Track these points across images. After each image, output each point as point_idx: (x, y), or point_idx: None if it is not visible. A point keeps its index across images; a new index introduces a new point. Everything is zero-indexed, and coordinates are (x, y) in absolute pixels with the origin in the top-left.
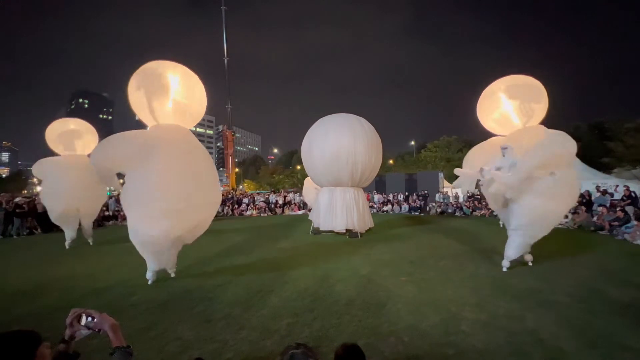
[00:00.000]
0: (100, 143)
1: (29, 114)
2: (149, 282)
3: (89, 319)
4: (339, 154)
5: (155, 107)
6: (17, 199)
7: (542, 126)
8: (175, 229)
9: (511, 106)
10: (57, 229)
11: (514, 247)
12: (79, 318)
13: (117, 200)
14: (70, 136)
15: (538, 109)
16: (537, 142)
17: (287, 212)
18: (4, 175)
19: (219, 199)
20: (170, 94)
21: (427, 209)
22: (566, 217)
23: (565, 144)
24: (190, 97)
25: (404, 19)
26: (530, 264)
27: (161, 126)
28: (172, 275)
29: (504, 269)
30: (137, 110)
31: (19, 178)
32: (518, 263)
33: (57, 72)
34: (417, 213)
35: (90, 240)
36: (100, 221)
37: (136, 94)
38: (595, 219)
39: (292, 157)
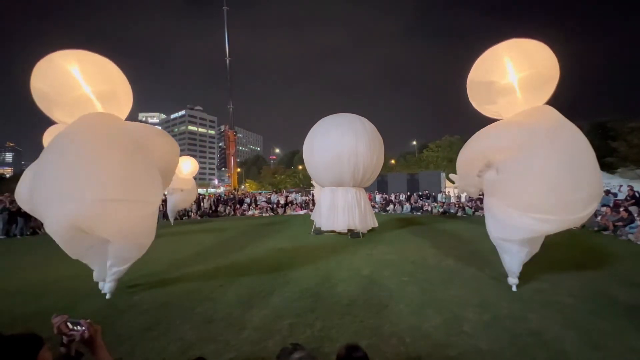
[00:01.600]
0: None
1: (33, 115)
2: (107, 297)
3: (77, 327)
4: (340, 154)
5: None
6: None
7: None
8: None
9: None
10: None
11: (509, 260)
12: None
13: None
14: None
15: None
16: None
17: (289, 212)
18: (7, 176)
19: (143, 197)
20: (79, 87)
21: (429, 209)
22: None
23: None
24: (101, 79)
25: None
26: (514, 288)
27: (81, 117)
28: (107, 296)
29: (514, 288)
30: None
31: None
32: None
33: None
34: (419, 213)
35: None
36: None
37: (44, 103)
38: (598, 219)
39: (294, 157)
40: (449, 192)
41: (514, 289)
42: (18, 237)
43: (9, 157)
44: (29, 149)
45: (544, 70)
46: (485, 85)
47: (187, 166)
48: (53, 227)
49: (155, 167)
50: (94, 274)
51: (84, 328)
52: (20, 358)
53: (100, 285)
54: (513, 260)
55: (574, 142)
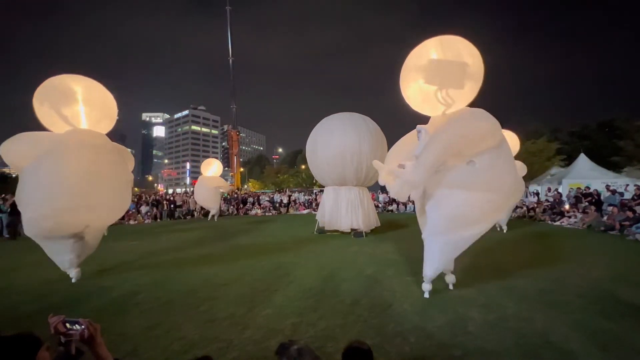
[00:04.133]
0: (13, 137)
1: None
2: (73, 281)
3: (76, 325)
4: (343, 153)
5: (66, 115)
6: None
7: (467, 108)
8: (61, 225)
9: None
10: None
11: (431, 262)
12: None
13: None
14: None
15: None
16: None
17: (292, 211)
18: (14, 175)
19: (119, 202)
20: (78, 103)
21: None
22: (569, 217)
23: (478, 122)
24: (97, 104)
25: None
26: (451, 287)
27: (69, 131)
28: (73, 280)
29: (426, 295)
30: (48, 125)
31: None
32: (523, 265)
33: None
34: None
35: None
36: None
37: (42, 109)
38: (605, 218)
39: (297, 156)
40: None
41: (427, 295)
42: (21, 236)
43: None
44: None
45: (469, 67)
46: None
47: (214, 168)
48: (31, 228)
49: (124, 175)
50: (63, 263)
51: (83, 327)
52: (18, 359)
53: (61, 269)
54: (449, 258)
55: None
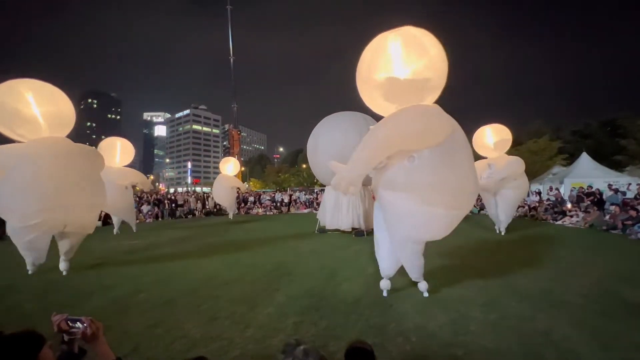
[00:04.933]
0: None
1: None
2: (29, 273)
3: (77, 324)
4: (344, 153)
5: (21, 132)
6: None
7: (417, 105)
8: (39, 226)
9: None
10: None
11: (406, 264)
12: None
13: None
14: None
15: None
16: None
17: (293, 210)
18: None
19: (92, 201)
20: (32, 112)
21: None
22: (571, 216)
23: (414, 120)
24: (52, 106)
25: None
26: (425, 294)
27: (33, 140)
28: (64, 273)
29: (425, 294)
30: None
31: None
32: (524, 265)
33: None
34: None
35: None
36: (106, 219)
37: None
38: (607, 217)
39: (298, 155)
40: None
41: (385, 294)
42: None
43: None
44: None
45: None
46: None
47: (231, 167)
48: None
49: (99, 179)
50: (32, 260)
51: (85, 325)
52: (22, 357)
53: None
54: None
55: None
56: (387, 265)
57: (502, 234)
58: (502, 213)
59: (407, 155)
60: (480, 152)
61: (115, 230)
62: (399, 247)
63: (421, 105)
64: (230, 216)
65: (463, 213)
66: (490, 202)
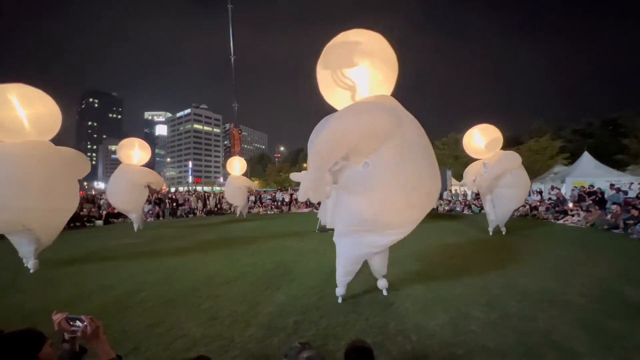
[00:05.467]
0: None
1: None
2: (31, 271)
3: (77, 322)
4: None
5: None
6: None
7: (359, 102)
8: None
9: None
10: (70, 227)
11: (338, 265)
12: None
13: None
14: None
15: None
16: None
17: (294, 209)
18: None
19: (58, 204)
20: (17, 114)
21: (435, 206)
22: (573, 215)
23: (350, 120)
24: (38, 109)
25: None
26: (385, 292)
27: (9, 142)
28: (32, 271)
29: (339, 300)
30: None
31: None
32: (525, 264)
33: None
34: None
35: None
36: (108, 218)
37: None
38: (609, 217)
39: (299, 154)
40: (455, 190)
41: (340, 300)
42: None
43: None
44: None
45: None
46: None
47: (237, 166)
48: None
49: (75, 182)
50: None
51: (85, 324)
52: (23, 355)
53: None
54: (351, 263)
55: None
56: (344, 270)
57: (491, 233)
58: (497, 212)
59: (362, 160)
60: (473, 155)
61: (136, 227)
62: (357, 249)
63: (362, 102)
64: (244, 215)
65: (421, 213)
66: (487, 201)
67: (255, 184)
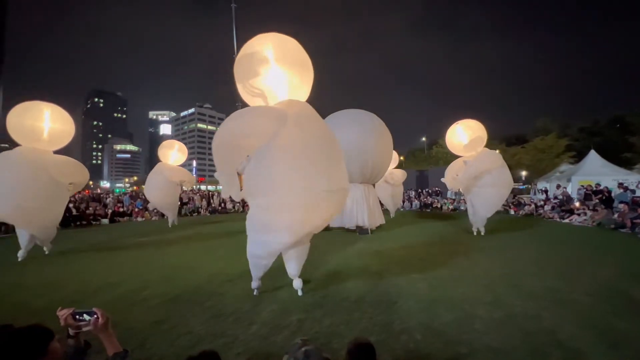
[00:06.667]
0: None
1: None
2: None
3: (84, 315)
4: (348, 151)
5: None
6: None
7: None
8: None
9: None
10: (76, 225)
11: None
12: (72, 318)
13: (132, 197)
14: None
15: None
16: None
17: None
18: None
19: (48, 205)
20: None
21: (439, 205)
22: (579, 214)
23: (234, 121)
24: (60, 125)
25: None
26: (300, 292)
27: (17, 149)
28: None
29: (254, 292)
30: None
31: None
32: (530, 263)
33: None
34: (428, 210)
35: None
36: (113, 217)
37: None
38: (616, 216)
39: None
40: (459, 188)
41: (255, 293)
42: None
43: None
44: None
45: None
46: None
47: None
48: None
49: (63, 187)
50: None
51: (96, 316)
52: (32, 350)
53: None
54: (257, 260)
55: (322, 133)
56: (251, 265)
57: (475, 233)
58: (477, 213)
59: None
60: (454, 152)
61: (170, 222)
62: (256, 247)
63: (251, 107)
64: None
65: (322, 213)
66: (468, 200)
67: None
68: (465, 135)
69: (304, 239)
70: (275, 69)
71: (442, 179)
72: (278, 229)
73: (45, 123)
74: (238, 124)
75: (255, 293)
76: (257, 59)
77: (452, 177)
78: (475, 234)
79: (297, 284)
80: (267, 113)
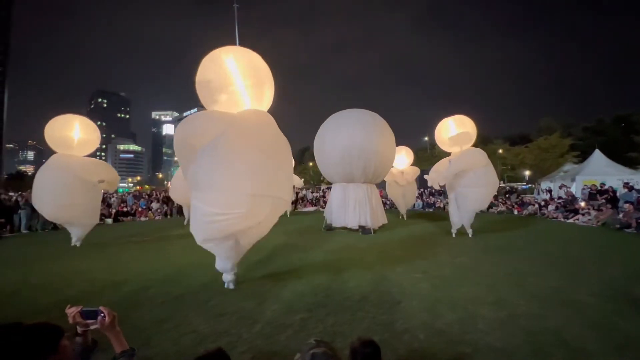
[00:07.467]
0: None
1: (53, 114)
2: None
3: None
4: (351, 150)
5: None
6: None
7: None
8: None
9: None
10: None
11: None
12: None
13: (135, 197)
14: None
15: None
16: None
17: (299, 208)
18: (30, 173)
19: (89, 205)
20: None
21: (442, 205)
22: (583, 214)
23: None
24: (88, 136)
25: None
26: (231, 286)
27: (56, 155)
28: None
29: (226, 285)
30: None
31: None
32: (534, 263)
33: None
34: (431, 209)
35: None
36: (117, 217)
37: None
38: (621, 216)
39: (304, 153)
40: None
41: (228, 286)
42: (40, 231)
43: (30, 155)
44: (49, 147)
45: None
46: (206, 84)
47: None
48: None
49: (93, 186)
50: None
51: (102, 315)
52: (43, 347)
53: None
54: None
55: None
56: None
57: (454, 235)
58: (461, 213)
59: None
60: (442, 147)
61: (185, 221)
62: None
63: (203, 112)
64: (287, 214)
65: (242, 214)
66: (451, 200)
67: (299, 180)
68: (454, 130)
69: (229, 237)
70: (232, 94)
71: (425, 176)
72: (214, 224)
73: (75, 133)
74: (190, 126)
75: (229, 286)
76: (214, 87)
77: (435, 170)
78: (454, 235)
79: (225, 277)
80: (213, 117)
